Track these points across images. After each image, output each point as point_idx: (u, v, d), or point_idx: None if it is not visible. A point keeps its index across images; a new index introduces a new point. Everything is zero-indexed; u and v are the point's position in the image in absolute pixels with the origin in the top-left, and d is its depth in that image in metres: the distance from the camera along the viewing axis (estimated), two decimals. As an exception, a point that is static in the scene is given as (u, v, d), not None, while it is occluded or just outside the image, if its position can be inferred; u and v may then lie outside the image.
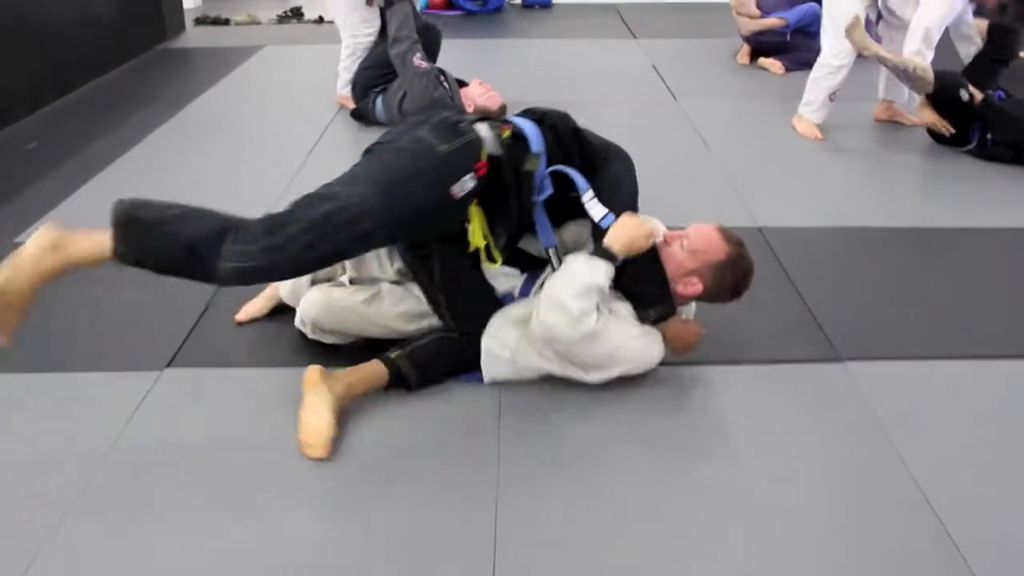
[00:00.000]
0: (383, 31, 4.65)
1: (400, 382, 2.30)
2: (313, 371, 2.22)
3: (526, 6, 7.94)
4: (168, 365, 2.45)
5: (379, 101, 4.49)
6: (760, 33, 5.76)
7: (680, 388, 2.36)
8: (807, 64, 5.46)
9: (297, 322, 2.54)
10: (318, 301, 2.46)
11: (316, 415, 2.10)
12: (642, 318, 2.29)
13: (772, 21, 5.71)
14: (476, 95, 4.34)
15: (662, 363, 2.38)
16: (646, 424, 2.21)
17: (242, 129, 4.61)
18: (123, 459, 2.09)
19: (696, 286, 2.30)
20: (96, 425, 2.20)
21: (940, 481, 2.01)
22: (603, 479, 2.03)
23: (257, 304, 2.69)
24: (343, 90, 4.81)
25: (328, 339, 2.50)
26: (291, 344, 2.55)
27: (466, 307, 2.33)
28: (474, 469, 2.05)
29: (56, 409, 2.29)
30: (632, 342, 2.25)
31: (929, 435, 2.17)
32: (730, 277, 2.31)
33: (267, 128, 4.61)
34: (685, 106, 4.86)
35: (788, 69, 5.54)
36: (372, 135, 4.32)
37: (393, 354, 2.31)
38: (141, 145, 4.32)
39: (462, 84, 4.43)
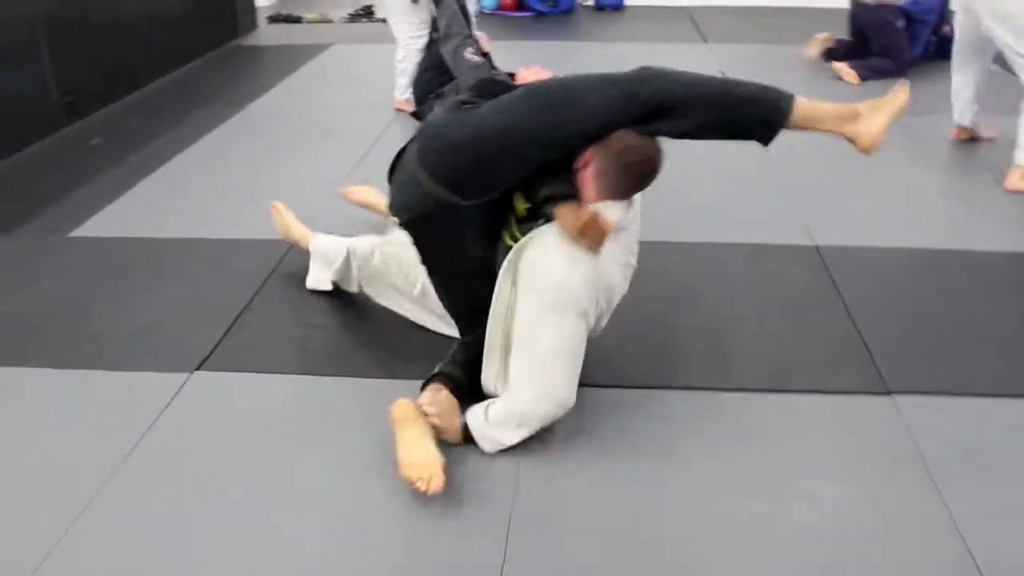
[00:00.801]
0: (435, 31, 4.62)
1: (458, 390, 2.20)
2: (404, 406, 2.11)
3: (598, 8, 7.84)
4: (198, 368, 2.46)
5: (436, 107, 4.46)
6: (879, 6, 5.47)
7: (716, 414, 2.26)
8: (887, 74, 5.21)
9: (333, 255, 2.69)
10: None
11: (421, 448, 2.01)
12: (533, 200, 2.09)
13: None
14: (527, 77, 4.29)
15: (695, 387, 2.30)
16: (677, 450, 2.12)
17: (301, 127, 4.64)
18: (144, 460, 2.10)
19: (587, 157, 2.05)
20: (121, 425, 2.22)
21: (984, 529, 1.87)
22: (630, 504, 1.95)
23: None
24: (402, 95, 4.79)
25: (352, 287, 2.60)
26: (322, 353, 2.54)
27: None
28: (488, 495, 2.00)
29: (85, 407, 2.32)
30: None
31: (977, 480, 2.02)
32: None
33: (326, 126, 4.63)
34: (750, 115, 4.69)
35: (863, 78, 5.32)
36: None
37: (445, 369, 2.24)
38: (201, 141, 4.38)
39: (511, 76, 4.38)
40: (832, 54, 5.64)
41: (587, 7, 7.91)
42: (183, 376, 2.42)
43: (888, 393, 2.33)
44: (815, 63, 5.54)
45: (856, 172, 3.93)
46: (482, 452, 2.10)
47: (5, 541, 1.86)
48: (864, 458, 2.11)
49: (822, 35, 5.69)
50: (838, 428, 2.22)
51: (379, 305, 2.69)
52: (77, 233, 3.36)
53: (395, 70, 4.78)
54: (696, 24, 7.10)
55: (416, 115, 4.60)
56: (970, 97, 4.10)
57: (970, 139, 4.27)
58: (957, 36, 4.03)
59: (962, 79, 4.10)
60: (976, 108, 4.14)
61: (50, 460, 2.11)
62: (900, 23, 5.44)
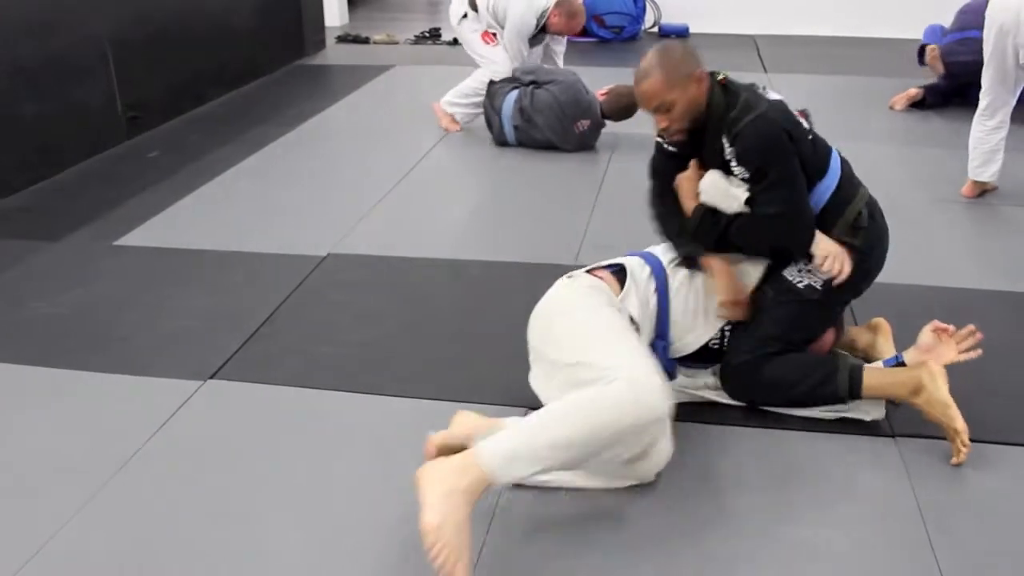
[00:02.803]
0: None
1: None
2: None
3: (662, 35, 7.83)
4: (212, 376, 2.54)
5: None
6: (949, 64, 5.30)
7: (710, 449, 2.23)
8: None
9: None
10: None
11: None
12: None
13: None
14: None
15: (690, 420, 2.28)
16: (670, 483, 2.11)
17: (349, 146, 4.77)
18: (145, 465, 2.18)
19: None
20: (128, 429, 2.30)
21: (971, 584, 1.81)
22: (595, 542, 1.94)
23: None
24: (450, 108, 4.89)
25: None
26: (330, 368, 2.59)
27: None
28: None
29: (99, 409, 2.42)
30: None
31: (971, 533, 1.95)
32: None
33: (374, 145, 4.73)
34: (798, 146, 4.62)
35: None
36: (475, 157, 4.46)
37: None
38: (253, 157, 4.53)
39: None
40: (926, 103, 5.39)
41: (652, 34, 7.92)
42: (196, 384, 2.50)
43: (892, 436, 2.28)
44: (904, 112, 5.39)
45: (892, 209, 3.84)
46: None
47: (2, 533, 1.96)
48: (855, 502, 2.06)
49: (911, 91, 5.47)
50: (833, 470, 2.17)
51: (392, 327, 2.77)
52: (122, 242, 3.51)
53: (467, 87, 4.86)
54: (759, 52, 7.04)
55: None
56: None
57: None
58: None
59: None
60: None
61: (54, 459, 2.20)
62: (962, 57, 5.25)
